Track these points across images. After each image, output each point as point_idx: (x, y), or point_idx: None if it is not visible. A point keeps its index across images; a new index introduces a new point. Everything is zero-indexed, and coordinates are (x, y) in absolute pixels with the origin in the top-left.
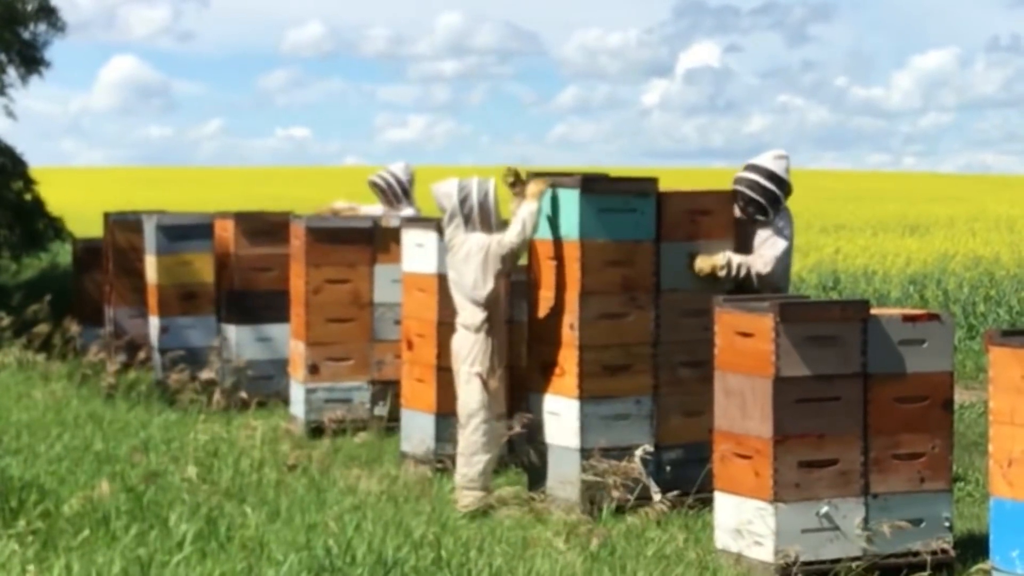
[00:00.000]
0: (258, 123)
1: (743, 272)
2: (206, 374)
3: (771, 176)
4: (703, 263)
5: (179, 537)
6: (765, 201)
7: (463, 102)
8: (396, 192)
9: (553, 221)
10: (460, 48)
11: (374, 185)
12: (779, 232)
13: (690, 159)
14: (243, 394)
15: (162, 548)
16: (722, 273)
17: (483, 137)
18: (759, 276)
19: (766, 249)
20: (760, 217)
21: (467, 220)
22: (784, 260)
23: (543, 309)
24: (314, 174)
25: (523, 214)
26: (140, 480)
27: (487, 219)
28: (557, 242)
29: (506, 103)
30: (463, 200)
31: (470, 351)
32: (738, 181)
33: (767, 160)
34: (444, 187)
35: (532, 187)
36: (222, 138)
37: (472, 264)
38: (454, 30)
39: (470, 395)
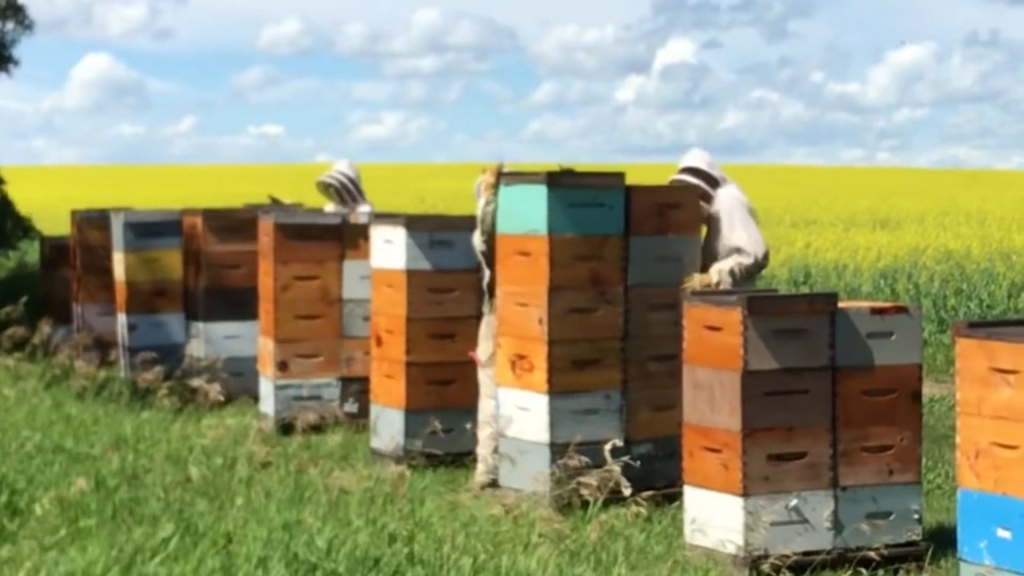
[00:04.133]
0: (231, 121)
1: (740, 271)
2: (175, 372)
3: (694, 172)
4: (696, 283)
5: (154, 536)
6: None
7: (438, 99)
8: (351, 190)
9: (520, 216)
10: (437, 45)
11: (327, 186)
12: (731, 208)
13: (664, 155)
14: (213, 391)
15: (137, 547)
16: (724, 285)
17: (458, 134)
18: (757, 261)
19: (740, 230)
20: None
21: None
22: (756, 240)
23: (511, 304)
24: (286, 172)
25: (479, 213)
26: (113, 479)
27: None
28: (525, 237)
29: (482, 100)
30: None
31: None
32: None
33: (684, 161)
34: None
35: (485, 179)
36: (195, 136)
37: None
38: (432, 27)
39: None
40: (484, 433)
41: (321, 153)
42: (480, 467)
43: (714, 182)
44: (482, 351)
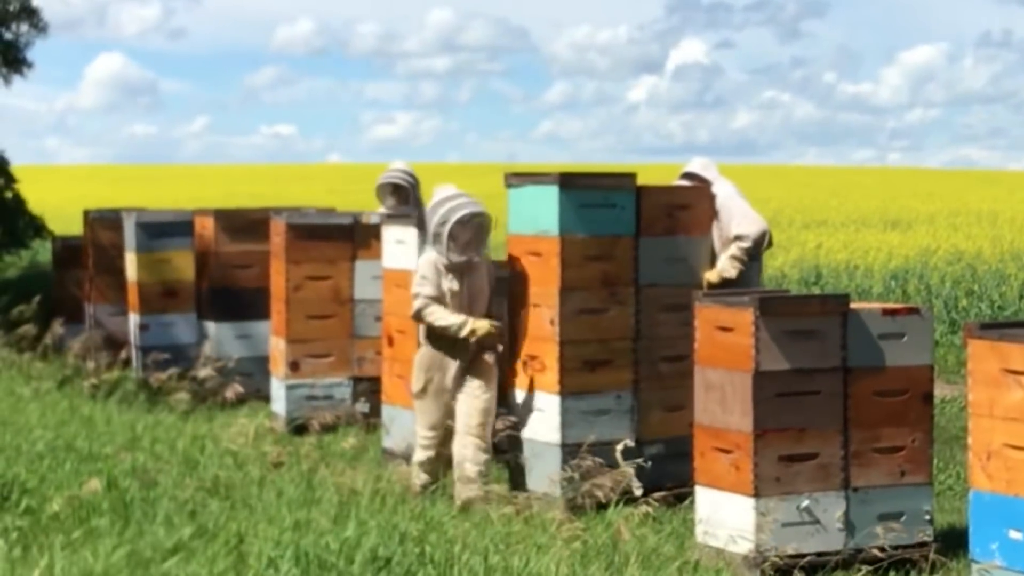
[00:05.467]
0: (244, 121)
1: (742, 254)
2: (187, 372)
3: (689, 176)
4: (709, 278)
5: (165, 536)
6: None
7: (451, 99)
8: (416, 192)
9: (532, 216)
10: (450, 45)
11: (396, 187)
12: (724, 201)
13: (676, 155)
14: (225, 391)
15: (148, 547)
16: (732, 274)
17: (470, 134)
18: (755, 239)
19: (737, 217)
20: None
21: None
22: (754, 221)
23: (522, 305)
24: (298, 172)
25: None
26: (125, 479)
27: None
28: (536, 237)
29: (494, 100)
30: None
31: None
32: None
33: (686, 168)
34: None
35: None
36: (207, 136)
37: None
38: (445, 27)
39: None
40: (420, 456)
41: (333, 153)
42: (416, 481)
43: (706, 183)
44: (415, 381)
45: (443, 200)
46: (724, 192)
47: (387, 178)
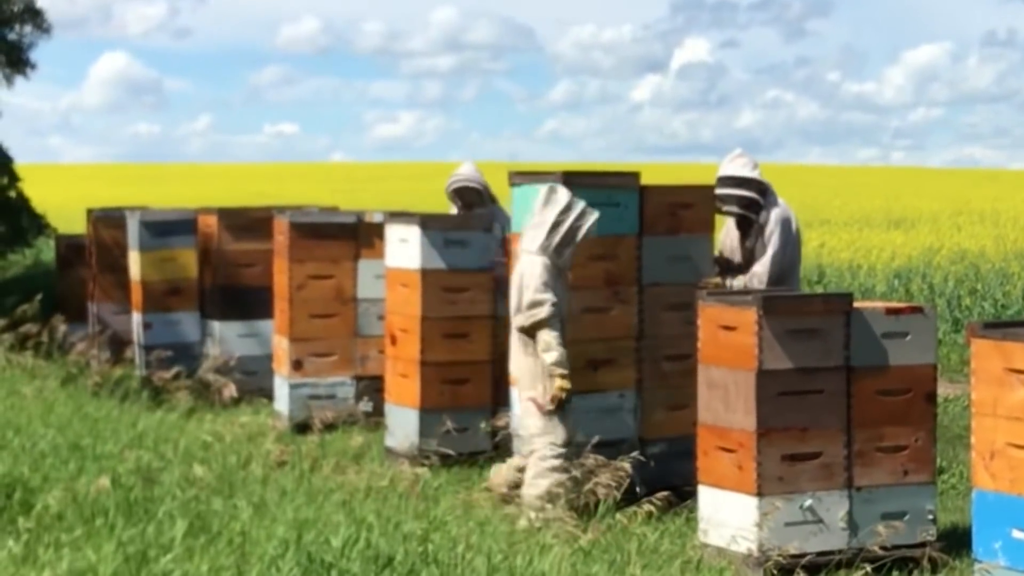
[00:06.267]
0: (248, 119)
1: (756, 282)
2: (191, 370)
3: (740, 182)
4: (732, 284)
5: (168, 534)
6: (748, 210)
7: (454, 98)
8: (490, 193)
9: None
10: (455, 44)
11: (469, 191)
12: (767, 242)
13: (680, 154)
14: (228, 391)
15: (152, 545)
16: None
17: (473, 133)
18: (771, 282)
19: (757, 266)
20: (754, 216)
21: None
22: (777, 263)
23: None
24: (301, 170)
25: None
26: (128, 477)
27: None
28: None
29: (498, 99)
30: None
31: None
32: (722, 199)
33: (730, 168)
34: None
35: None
36: (211, 135)
37: None
38: (450, 25)
39: None
40: (559, 477)
41: (336, 152)
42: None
43: (764, 191)
44: (539, 394)
45: (572, 203)
46: (778, 220)
47: (466, 184)
